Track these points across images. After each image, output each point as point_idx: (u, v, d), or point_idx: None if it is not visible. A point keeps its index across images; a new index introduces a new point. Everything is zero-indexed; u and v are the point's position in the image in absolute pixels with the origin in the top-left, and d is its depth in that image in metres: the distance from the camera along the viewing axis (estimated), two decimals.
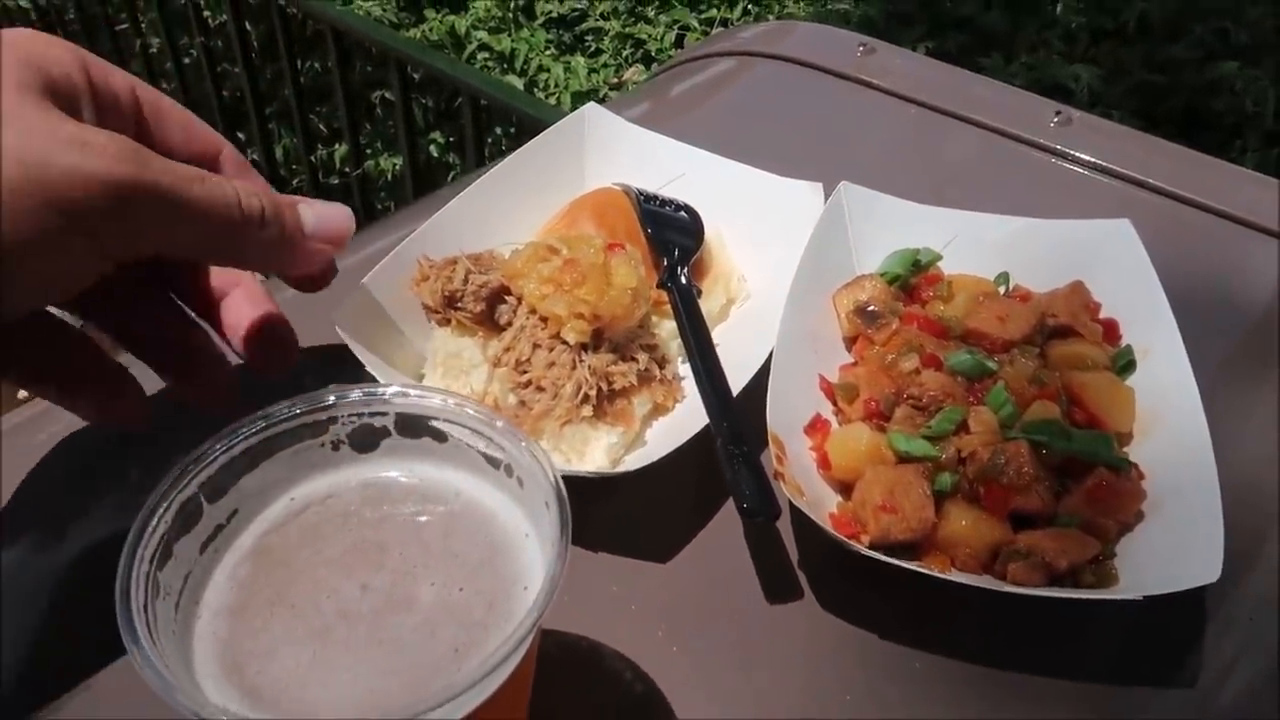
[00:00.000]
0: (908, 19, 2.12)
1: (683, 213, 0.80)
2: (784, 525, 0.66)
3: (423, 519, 0.47)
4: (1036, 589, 0.57)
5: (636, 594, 0.62)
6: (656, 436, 0.71)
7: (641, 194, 0.81)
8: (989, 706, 0.57)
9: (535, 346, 0.70)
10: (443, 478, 0.48)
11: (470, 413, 0.47)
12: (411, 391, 0.48)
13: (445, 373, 0.71)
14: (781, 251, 0.76)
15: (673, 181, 0.83)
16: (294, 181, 2.85)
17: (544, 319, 0.70)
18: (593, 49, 2.32)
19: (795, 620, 0.61)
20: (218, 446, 0.45)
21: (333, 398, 0.47)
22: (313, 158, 2.60)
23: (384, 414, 0.48)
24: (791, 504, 0.60)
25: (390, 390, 0.48)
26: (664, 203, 0.81)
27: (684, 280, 0.73)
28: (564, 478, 0.61)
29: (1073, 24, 1.99)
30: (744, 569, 0.63)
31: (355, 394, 0.48)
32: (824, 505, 0.65)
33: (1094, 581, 0.59)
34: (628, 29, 2.27)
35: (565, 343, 0.70)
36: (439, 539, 0.46)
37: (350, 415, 0.48)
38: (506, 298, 0.72)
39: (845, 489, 0.66)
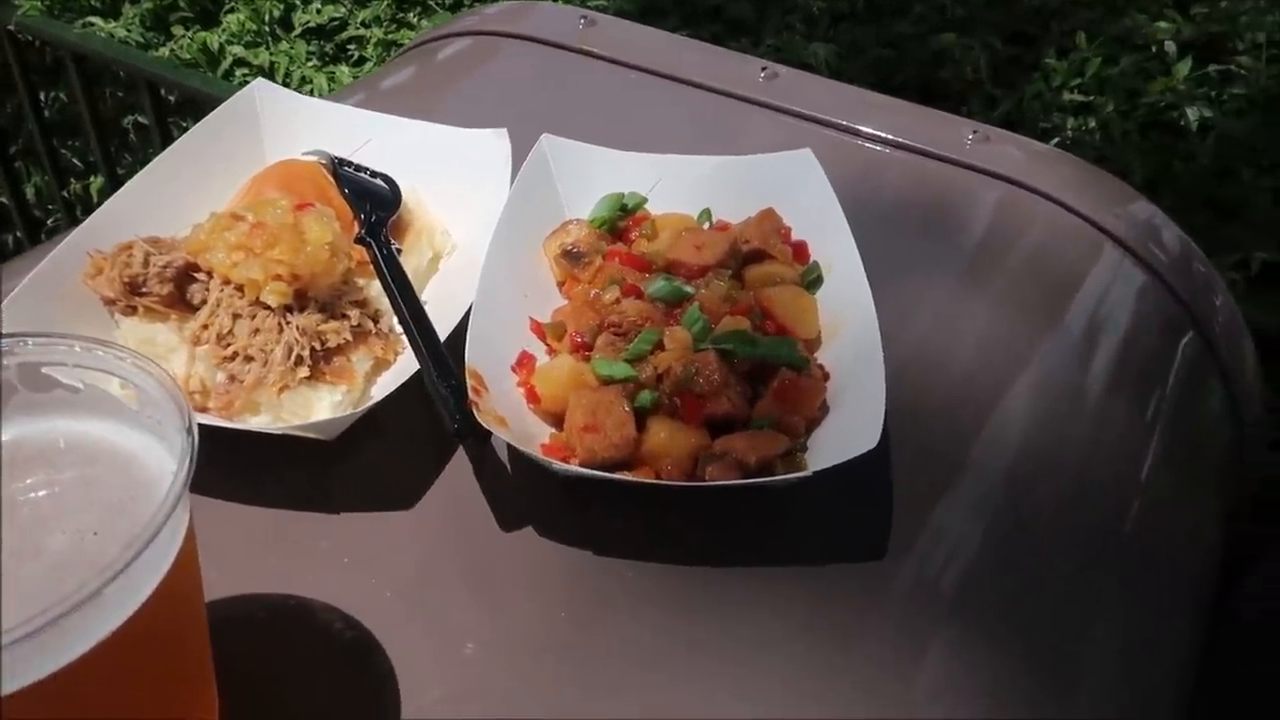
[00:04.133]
0: (663, 11, 2.19)
1: (378, 179, 0.80)
2: (499, 465, 0.66)
3: (60, 472, 0.45)
4: (718, 481, 0.60)
5: (347, 548, 0.61)
6: (382, 391, 0.70)
7: (336, 159, 0.81)
8: (700, 599, 0.60)
9: (235, 317, 0.68)
10: (81, 429, 0.46)
11: (100, 354, 0.45)
12: (30, 341, 0.45)
13: None
14: (481, 200, 0.77)
15: (361, 148, 0.82)
16: (49, 221, 2.64)
17: (240, 288, 0.68)
18: (356, 57, 2.27)
19: (514, 551, 0.62)
20: None
21: None
22: (66, 193, 2.42)
23: (3, 368, 0.45)
24: (508, 445, 0.61)
25: (3, 342, 0.45)
26: (358, 168, 0.81)
27: (383, 238, 0.73)
28: (290, 439, 0.60)
29: (814, 8, 2.12)
30: (458, 512, 0.64)
31: None
32: (536, 438, 0.66)
33: (784, 472, 0.63)
34: (390, 35, 2.24)
35: (267, 307, 0.68)
36: (78, 488, 0.44)
37: None
38: (196, 275, 0.70)
39: (557, 421, 0.67)
